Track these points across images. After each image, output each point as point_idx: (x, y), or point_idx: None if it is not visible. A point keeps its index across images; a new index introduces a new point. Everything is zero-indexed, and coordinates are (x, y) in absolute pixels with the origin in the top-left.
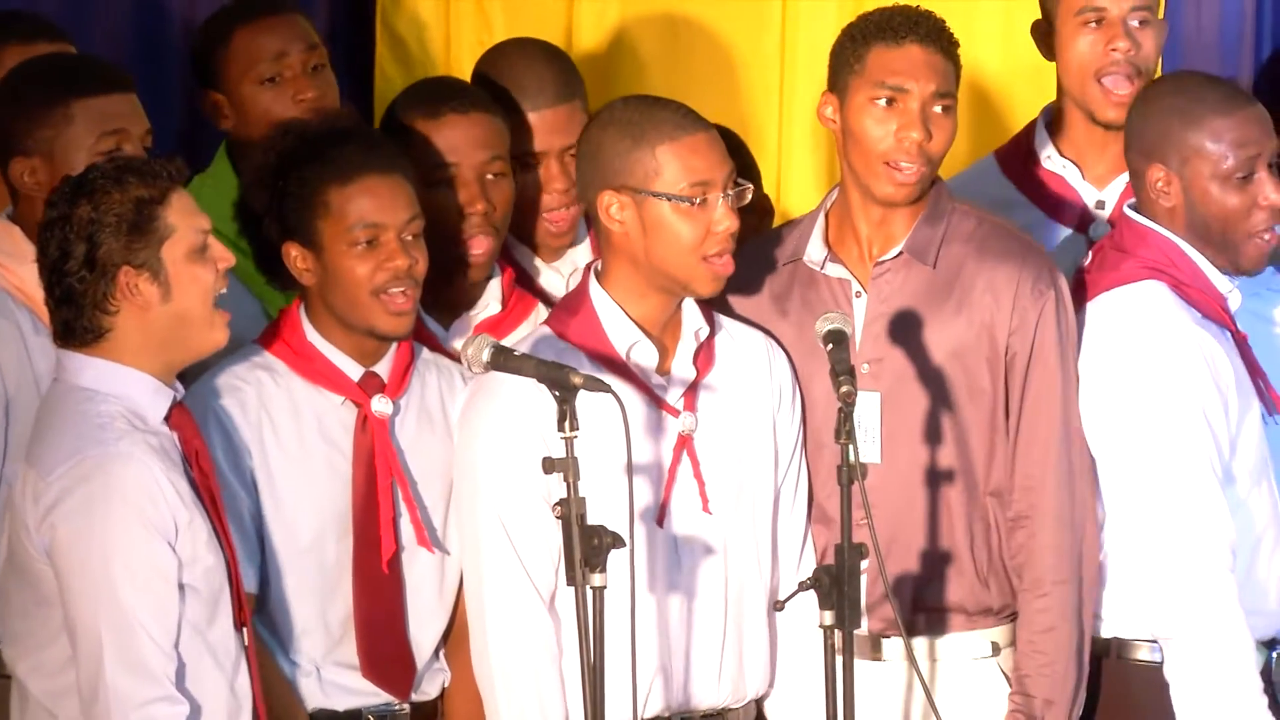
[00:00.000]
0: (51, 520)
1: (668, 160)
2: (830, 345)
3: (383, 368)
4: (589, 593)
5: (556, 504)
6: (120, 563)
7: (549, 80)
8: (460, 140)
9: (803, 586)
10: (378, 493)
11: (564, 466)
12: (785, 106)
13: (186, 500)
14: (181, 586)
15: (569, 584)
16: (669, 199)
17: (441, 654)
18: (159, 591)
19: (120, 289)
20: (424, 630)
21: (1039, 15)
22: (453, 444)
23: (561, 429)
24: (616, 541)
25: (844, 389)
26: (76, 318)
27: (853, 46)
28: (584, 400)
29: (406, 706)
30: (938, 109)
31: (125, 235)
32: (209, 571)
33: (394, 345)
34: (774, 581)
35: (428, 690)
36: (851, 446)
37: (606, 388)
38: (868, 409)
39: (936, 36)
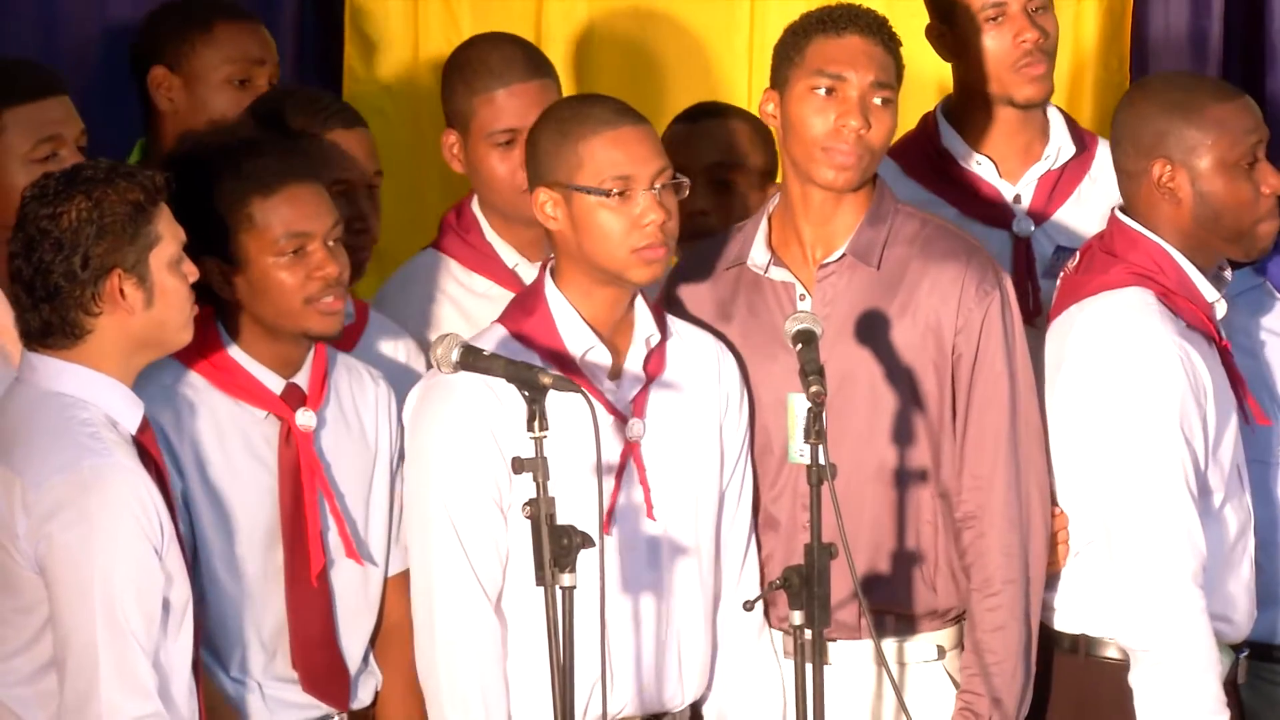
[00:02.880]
0: (48, 530)
1: (589, 154)
2: (800, 345)
3: (302, 378)
4: (558, 593)
5: (526, 504)
6: (121, 576)
7: (516, 58)
8: (356, 152)
9: (772, 587)
10: (305, 506)
11: (534, 466)
12: (754, 104)
13: (164, 512)
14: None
15: (538, 584)
16: (590, 192)
17: (371, 658)
18: (152, 607)
19: (108, 291)
20: (352, 639)
21: None
22: (368, 448)
23: (531, 429)
24: (586, 542)
25: (814, 389)
26: (59, 318)
27: (794, 40)
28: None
29: (345, 716)
30: (877, 100)
31: (121, 237)
32: (181, 585)
33: (311, 354)
34: (717, 586)
35: (363, 697)
36: (821, 446)
37: (576, 388)
38: None
39: (877, 29)
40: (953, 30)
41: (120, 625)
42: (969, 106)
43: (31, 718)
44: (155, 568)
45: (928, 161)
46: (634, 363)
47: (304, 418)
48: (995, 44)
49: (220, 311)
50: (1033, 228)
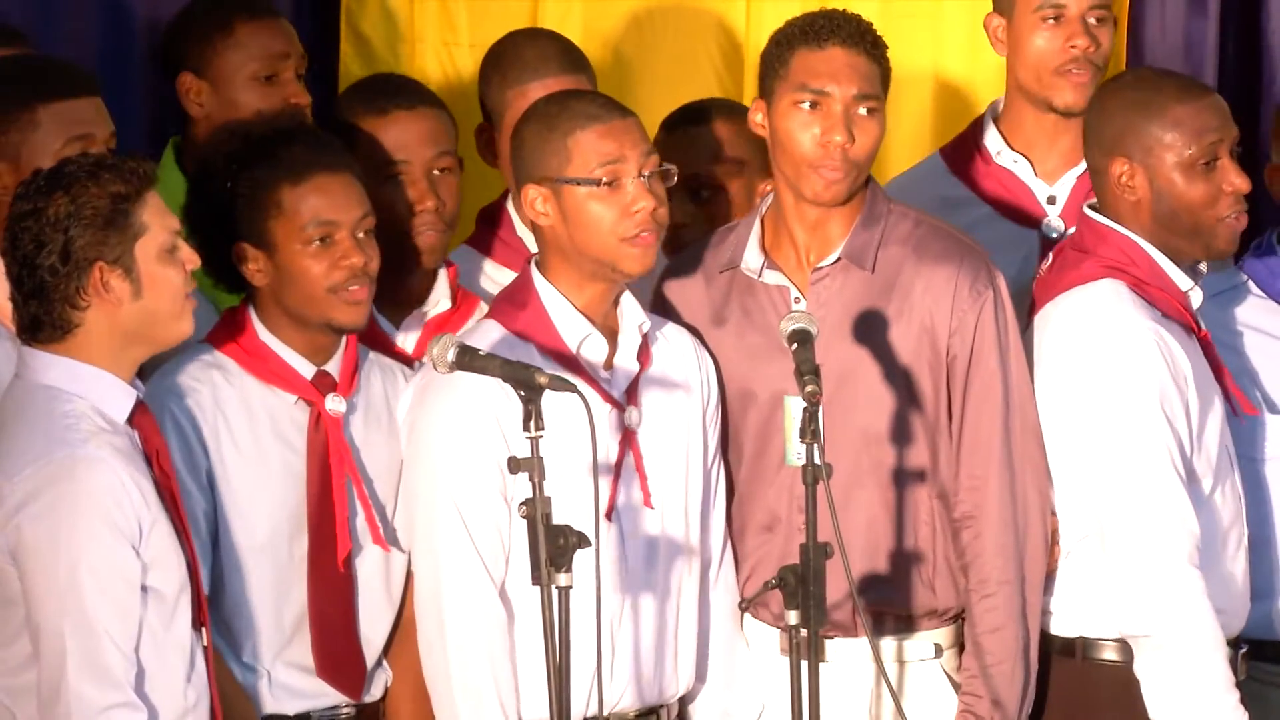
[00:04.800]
0: (17, 522)
1: (578, 146)
2: (795, 345)
3: (333, 366)
4: (554, 592)
5: (522, 504)
6: (86, 567)
7: (552, 54)
8: (408, 137)
9: (768, 586)
10: (333, 491)
11: (530, 466)
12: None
13: (150, 501)
14: (144, 589)
15: (534, 583)
16: (580, 183)
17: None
18: (122, 596)
19: (92, 284)
20: (374, 629)
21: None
22: (399, 442)
23: (527, 429)
24: (582, 541)
25: (809, 389)
26: (45, 312)
27: (778, 51)
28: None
29: (353, 708)
30: (861, 111)
31: (101, 230)
32: (171, 573)
33: (343, 344)
34: (702, 579)
35: (373, 692)
36: (817, 446)
37: (572, 387)
38: None
39: (859, 39)
40: (1009, 24)
41: (87, 615)
42: (1015, 105)
43: (20, 708)
44: (127, 558)
45: (969, 158)
46: (627, 351)
47: (333, 403)
48: (1046, 45)
49: (253, 300)
50: (1065, 228)
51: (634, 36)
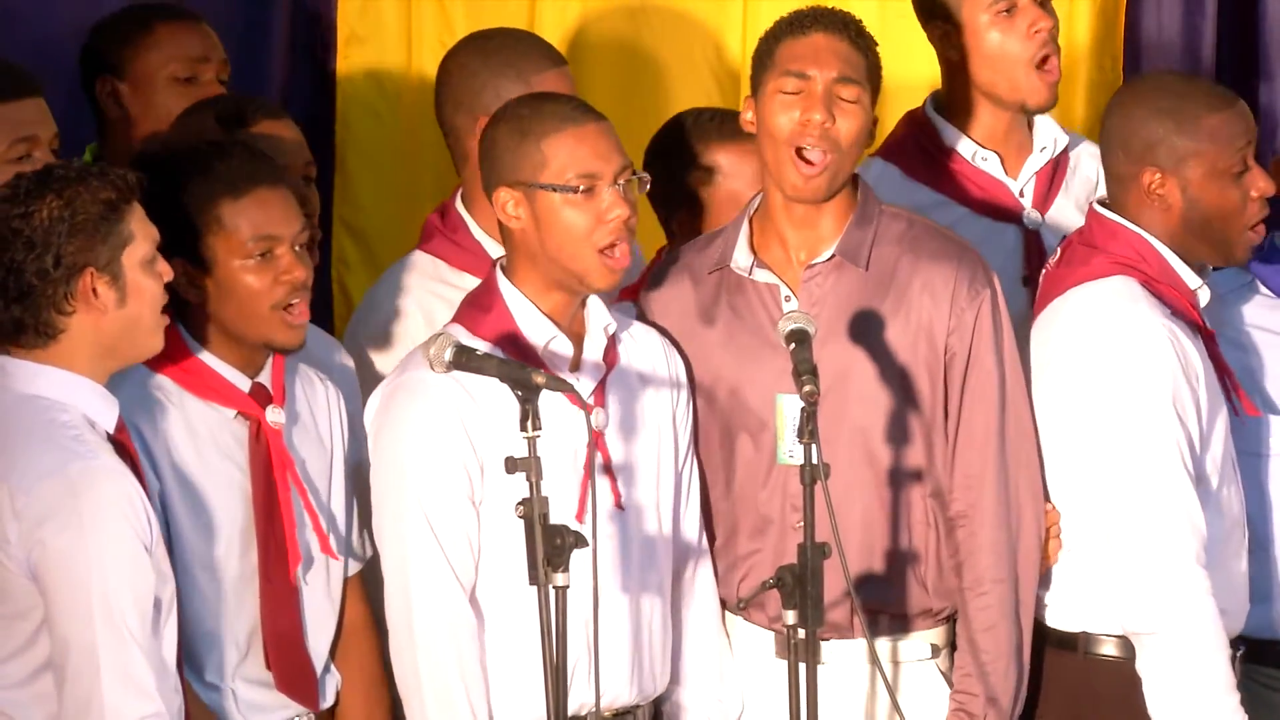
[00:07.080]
0: (40, 537)
1: (553, 152)
2: (793, 345)
3: (265, 378)
4: (551, 592)
5: (519, 504)
6: (117, 578)
7: (535, 46)
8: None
9: (764, 586)
10: (280, 503)
11: (527, 466)
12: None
13: (150, 511)
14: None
15: (531, 583)
16: (556, 190)
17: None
18: (146, 606)
19: (81, 291)
20: (319, 638)
21: None
22: (325, 449)
23: (524, 429)
24: (579, 541)
25: (807, 388)
26: (31, 316)
27: (765, 46)
28: (507, 397)
29: (310, 718)
30: (844, 95)
31: (92, 236)
32: (167, 584)
33: (271, 355)
34: (677, 577)
35: (327, 698)
36: (815, 446)
37: (568, 387)
38: None
39: (843, 27)
40: (959, 29)
41: (119, 627)
42: (968, 103)
43: (27, 719)
44: (148, 566)
45: (930, 162)
46: (593, 353)
47: (274, 414)
48: (1009, 39)
49: (183, 316)
50: (1041, 220)
51: (632, 38)
